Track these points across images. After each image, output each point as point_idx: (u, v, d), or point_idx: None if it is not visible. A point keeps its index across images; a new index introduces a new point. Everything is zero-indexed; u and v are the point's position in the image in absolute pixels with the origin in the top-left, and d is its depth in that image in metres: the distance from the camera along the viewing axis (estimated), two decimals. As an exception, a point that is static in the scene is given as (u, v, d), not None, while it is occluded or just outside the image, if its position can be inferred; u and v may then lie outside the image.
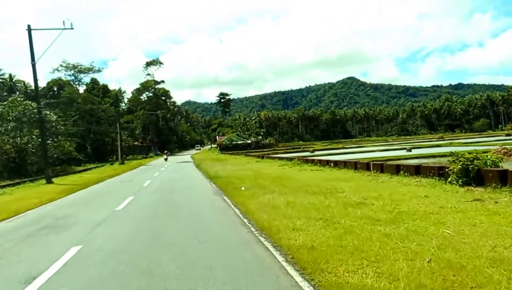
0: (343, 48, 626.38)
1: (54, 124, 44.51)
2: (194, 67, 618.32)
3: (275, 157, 39.98)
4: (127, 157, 77.00)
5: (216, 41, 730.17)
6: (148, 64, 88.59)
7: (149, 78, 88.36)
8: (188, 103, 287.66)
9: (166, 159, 50.97)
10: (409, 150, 45.91)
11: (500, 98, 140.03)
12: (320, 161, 28.14)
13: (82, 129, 68.45)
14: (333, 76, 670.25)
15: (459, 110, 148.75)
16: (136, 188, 19.85)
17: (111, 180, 26.68)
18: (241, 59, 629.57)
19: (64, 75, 73.52)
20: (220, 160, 42.66)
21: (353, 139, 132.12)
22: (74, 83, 75.48)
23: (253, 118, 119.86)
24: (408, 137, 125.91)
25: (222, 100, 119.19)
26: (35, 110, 30.18)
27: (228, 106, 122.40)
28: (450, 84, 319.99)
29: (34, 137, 37.46)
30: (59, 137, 61.76)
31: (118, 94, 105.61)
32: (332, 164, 24.82)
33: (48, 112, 43.75)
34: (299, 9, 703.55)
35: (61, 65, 72.40)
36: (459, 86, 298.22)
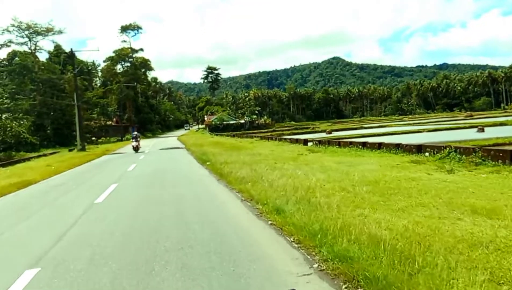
0: (327, 28, 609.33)
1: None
2: (176, 46, 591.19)
3: (290, 140, 26.08)
4: (99, 140, 61.19)
5: (198, 19, 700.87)
6: (124, 28, 71.76)
7: (125, 45, 71.80)
8: (171, 83, 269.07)
9: (136, 148, 28.24)
10: (481, 129, 32.42)
11: (503, 75, 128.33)
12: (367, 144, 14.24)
13: (35, 103, 52.28)
14: (318, 56, 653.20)
15: (458, 88, 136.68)
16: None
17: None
18: (224, 38, 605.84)
19: (15, 37, 56.45)
20: (225, 145, 28.01)
21: (354, 119, 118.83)
22: (31, 48, 58.46)
23: (246, 95, 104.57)
24: (420, 116, 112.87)
25: (210, 75, 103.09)
26: None
27: (217, 82, 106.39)
28: (435, 64, 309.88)
29: None
30: (1, 115, 45.93)
31: (92, 67, 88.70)
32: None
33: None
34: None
35: (12, 25, 55.29)
36: (444, 66, 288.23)
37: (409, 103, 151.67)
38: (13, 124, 44.58)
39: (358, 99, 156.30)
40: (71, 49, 37.81)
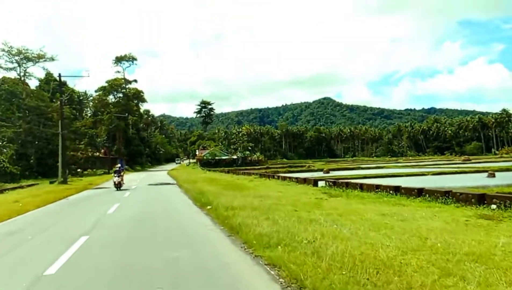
0: (318, 69, 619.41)
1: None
2: (170, 81, 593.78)
3: (297, 179, 22.91)
4: (84, 172, 57.52)
5: (192, 55, 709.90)
6: (119, 59, 69.75)
7: (119, 76, 69.52)
8: (163, 116, 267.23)
9: (118, 185, 23.92)
10: (492, 175, 30.09)
11: (493, 120, 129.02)
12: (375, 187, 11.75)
13: (19, 131, 49.02)
14: (309, 95, 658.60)
15: (449, 132, 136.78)
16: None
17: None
18: (217, 74, 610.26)
19: (4, 62, 53.79)
20: (221, 183, 25.07)
21: (347, 158, 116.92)
22: (19, 74, 55.76)
23: (239, 130, 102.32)
24: (414, 158, 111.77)
25: (204, 109, 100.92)
26: None
27: (210, 117, 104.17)
28: (423, 108, 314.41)
29: None
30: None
31: (83, 97, 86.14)
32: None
33: None
34: (275, 28, 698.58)
35: (2, 50, 52.82)
36: (432, 110, 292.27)
37: (400, 145, 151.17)
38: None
39: (350, 139, 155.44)
40: (59, 74, 35.08)
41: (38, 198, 18.31)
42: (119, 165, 26.92)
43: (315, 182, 19.08)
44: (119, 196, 18.94)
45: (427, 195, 11.47)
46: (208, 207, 12.11)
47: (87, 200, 18.31)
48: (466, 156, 75.85)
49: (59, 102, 52.69)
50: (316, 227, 7.62)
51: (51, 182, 35.57)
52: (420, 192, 11.82)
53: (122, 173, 25.19)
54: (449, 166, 53.01)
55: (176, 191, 21.63)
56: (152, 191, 21.89)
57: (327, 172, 50.18)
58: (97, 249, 7.17)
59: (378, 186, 14.00)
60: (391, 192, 13.02)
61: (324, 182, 19.27)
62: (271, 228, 7.58)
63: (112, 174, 26.03)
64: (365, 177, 36.19)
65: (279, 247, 6.06)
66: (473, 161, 65.11)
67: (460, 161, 64.67)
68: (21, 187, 29.70)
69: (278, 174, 34.03)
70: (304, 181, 20.61)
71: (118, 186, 24.12)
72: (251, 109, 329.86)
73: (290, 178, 23.16)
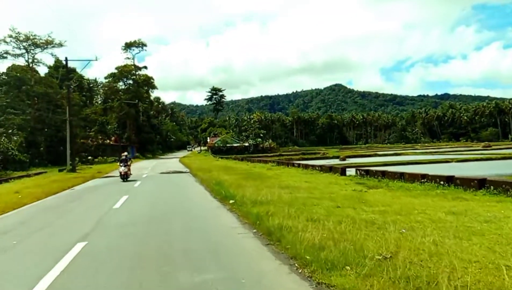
0: (329, 55, 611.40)
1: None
2: (180, 69, 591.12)
3: (321, 167, 20.73)
4: (95, 159, 56.33)
5: (202, 43, 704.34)
6: (128, 45, 67.87)
7: (129, 62, 67.71)
8: (173, 104, 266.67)
9: (124, 176, 21.19)
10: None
11: (511, 106, 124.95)
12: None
13: (28, 119, 47.79)
14: (320, 82, 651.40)
15: (465, 118, 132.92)
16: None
17: None
18: (227, 62, 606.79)
19: (12, 48, 52.30)
20: (238, 171, 23.31)
21: (361, 145, 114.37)
22: (27, 61, 54.33)
23: (250, 117, 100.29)
24: (430, 144, 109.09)
25: (214, 96, 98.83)
26: None
27: (221, 104, 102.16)
28: (437, 94, 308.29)
29: None
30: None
31: (94, 84, 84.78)
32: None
33: None
34: (286, 15, 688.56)
35: (10, 36, 51.31)
36: (445, 96, 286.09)
37: (414, 131, 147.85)
38: (2, 140, 40.05)
39: (362, 126, 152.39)
40: (66, 58, 33.38)
41: (41, 188, 16.75)
42: (126, 153, 23.70)
43: (342, 171, 17.10)
44: (128, 187, 17.26)
45: (492, 187, 9.52)
46: (231, 201, 10.34)
47: (93, 191, 16.69)
48: (486, 143, 73.04)
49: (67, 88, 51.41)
50: (379, 233, 5.78)
51: (60, 170, 34.28)
52: (481, 183, 9.87)
53: (129, 163, 22.32)
54: (471, 152, 50.65)
55: (190, 181, 19.90)
56: (164, 181, 20.20)
57: (344, 159, 48.18)
58: (94, 266, 5.36)
59: (424, 176, 12.04)
60: (441, 183, 11.08)
61: (353, 170, 17.30)
62: (322, 233, 5.76)
63: (118, 163, 22.52)
64: (385, 164, 34.20)
65: (347, 268, 4.24)
66: (493, 147, 62.50)
67: (480, 148, 62.07)
68: (28, 175, 28.34)
69: (296, 162, 32.21)
70: (330, 169, 18.61)
71: (125, 177, 21.12)
72: (261, 96, 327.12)
73: (312, 166, 21.22)
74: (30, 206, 12.11)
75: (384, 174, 14.16)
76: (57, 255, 5.77)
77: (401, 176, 13.05)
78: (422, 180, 11.87)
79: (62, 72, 59.75)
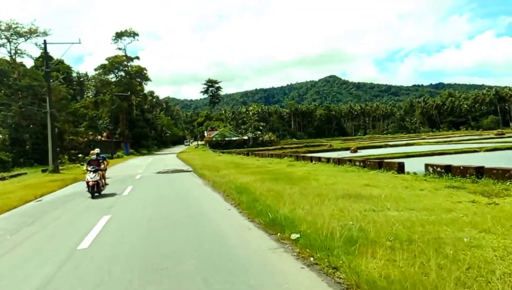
0: (323, 47, 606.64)
1: None
2: (174, 63, 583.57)
3: (363, 163, 16.36)
4: (86, 157, 51.84)
5: (196, 37, 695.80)
6: (119, 35, 63.02)
7: (120, 53, 62.91)
8: (167, 99, 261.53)
9: (94, 188, 12.71)
10: None
11: (511, 93, 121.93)
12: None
13: (11, 114, 43.26)
14: (314, 74, 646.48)
15: (465, 106, 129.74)
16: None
17: None
18: (221, 56, 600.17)
19: (-7, 39, 47.41)
20: (252, 168, 19.21)
21: (361, 136, 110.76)
22: (10, 52, 49.51)
23: (248, 110, 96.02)
24: (439, 133, 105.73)
25: (210, 89, 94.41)
26: None
27: (217, 96, 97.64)
28: (431, 84, 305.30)
29: None
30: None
31: (84, 78, 79.92)
32: None
33: None
34: (280, 8, 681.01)
35: (-10, 25, 46.44)
36: (440, 86, 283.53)
37: (413, 121, 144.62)
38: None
39: (360, 117, 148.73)
40: (45, 40, 28.94)
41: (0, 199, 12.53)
42: (97, 150, 14.18)
43: (400, 167, 12.82)
44: (115, 199, 12.31)
45: None
46: (293, 235, 5.70)
47: (62, 206, 11.53)
48: (499, 130, 69.64)
49: (55, 82, 46.86)
50: None
51: (43, 171, 29.97)
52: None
53: (103, 166, 13.91)
54: (487, 141, 47.08)
55: (197, 183, 15.72)
56: (164, 185, 15.82)
57: (355, 151, 44.34)
58: None
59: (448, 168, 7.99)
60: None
61: (414, 165, 13.09)
62: None
63: (85, 167, 13.55)
64: (407, 156, 30.44)
65: None
66: (506, 135, 59.04)
67: (494, 136, 58.52)
68: (3, 178, 24.05)
69: (315, 155, 28.24)
70: (379, 166, 13.98)
71: (95, 190, 12.85)
72: (256, 89, 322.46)
73: (350, 161, 16.84)
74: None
75: (480, 170, 9.87)
76: None
77: (505, 173, 8.96)
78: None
79: (50, 65, 55.16)
